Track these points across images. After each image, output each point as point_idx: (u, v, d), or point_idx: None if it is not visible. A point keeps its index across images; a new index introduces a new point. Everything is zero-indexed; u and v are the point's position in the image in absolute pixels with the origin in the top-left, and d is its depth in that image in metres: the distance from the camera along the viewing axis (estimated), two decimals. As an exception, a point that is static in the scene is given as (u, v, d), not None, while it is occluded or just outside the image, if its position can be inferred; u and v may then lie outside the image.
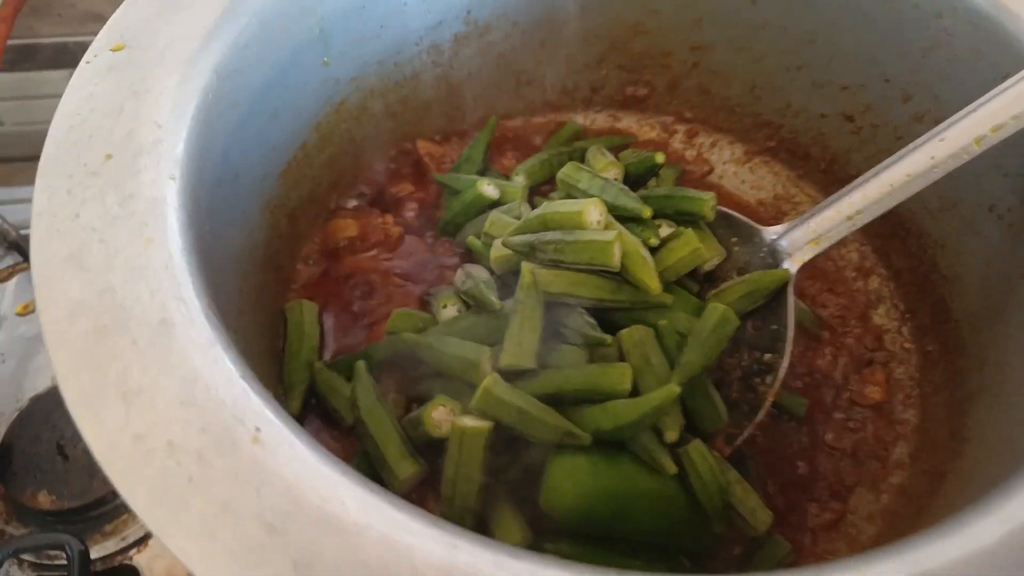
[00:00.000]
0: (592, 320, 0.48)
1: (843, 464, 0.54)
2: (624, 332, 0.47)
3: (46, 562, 0.54)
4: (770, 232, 0.51)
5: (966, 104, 0.51)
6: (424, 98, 0.64)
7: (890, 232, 0.60)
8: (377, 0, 0.56)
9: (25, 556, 0.54)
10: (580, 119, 0.71)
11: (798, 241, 0.50)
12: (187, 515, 0.28)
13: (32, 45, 0.96)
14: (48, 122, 0.40)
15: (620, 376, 0.45)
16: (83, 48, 0.43)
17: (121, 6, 0.45)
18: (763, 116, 0.66)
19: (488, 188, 0.57)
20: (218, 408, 0.31)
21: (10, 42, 0.64)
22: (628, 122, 0.71)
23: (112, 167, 0.38)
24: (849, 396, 0.57)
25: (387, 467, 0.45)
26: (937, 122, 0.54)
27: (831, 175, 0.64)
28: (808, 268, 0.63)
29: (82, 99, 0.40)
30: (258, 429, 0.31)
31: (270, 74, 0.49)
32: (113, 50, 0.42)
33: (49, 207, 0.36)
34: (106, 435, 0.30)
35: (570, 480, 0.43)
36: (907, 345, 0.58)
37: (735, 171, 0.69)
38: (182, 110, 0.41)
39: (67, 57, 0.97)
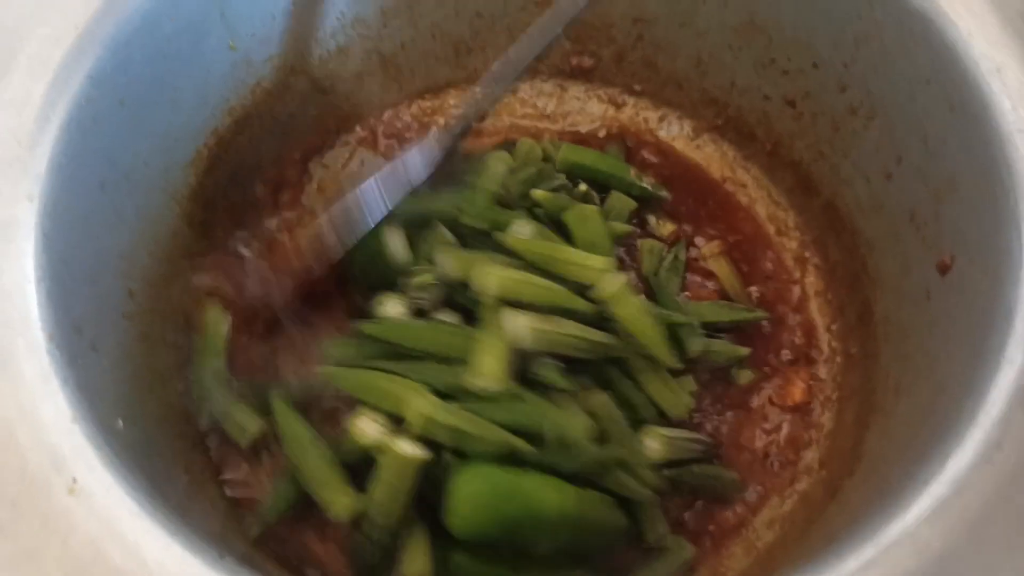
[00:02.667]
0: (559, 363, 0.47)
1: (754, 466, 0.54)
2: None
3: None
4: None
5: (896, 100, 0.49)
6: (355, 71, 0.62)
7: (828, 224, 0.58)
8: (287, -23, 0.53)
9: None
10: (527, 88, 0.68)
11: None
12: (-7, 564, 0.30)
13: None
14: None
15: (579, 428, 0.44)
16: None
17: (-5, 3, 0.44)
18: (710, 93, 0.63)
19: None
20: (39, 453, 0.32)
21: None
22: (575, 91, 0.68)
23: (-35, 189, 0.38)
24: (770, 395, 0.56)
25: (325, 503, 0.45)
26: (870, 117, 0.52)
27: (776, 158, 0.61)
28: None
29: (-56, 112, 0.40)
30: (75, 480, 0.31)
31: (163, 66, 0.48)
32: (-19, 55, 0.42)
33: None
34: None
35: (471, 507, 0.42)
36: (834, 344, 0.57)
37: (683, 148, 0.66)
38: (49, 121, 0.41)
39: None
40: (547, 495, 0.43)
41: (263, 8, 0.53)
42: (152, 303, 0.49)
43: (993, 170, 0.40)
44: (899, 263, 0.50)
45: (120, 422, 0.37)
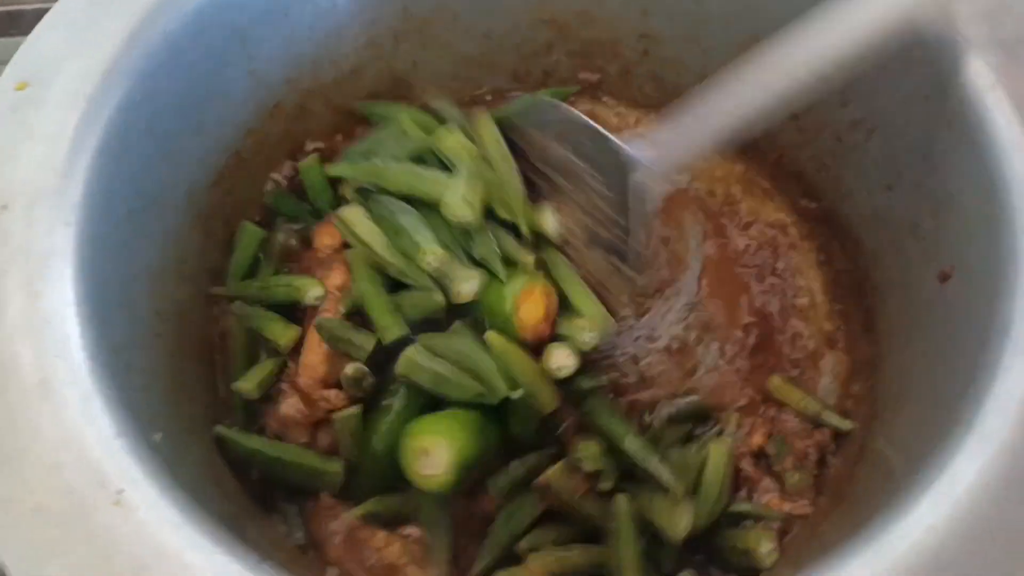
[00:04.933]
0: None
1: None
2: None
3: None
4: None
5: (896, 115, 0.50)
6: (368, 90, 0.64)
7: (832, 234, 0.60)
8: (303, 3, 0.55)
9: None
10: (534, 102, 0.70)
11: None
12: (43, 579, 0.31)
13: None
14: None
15: None
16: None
17: (28, 38, 0.45)
18: (714, 106, 0.64)
19: None
20: (85, 469, 0.34)
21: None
22: (582, 106, 0.70)
23: (6, 219, 0.40)
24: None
25: None
26: (871, 131, 0.53)
27: (780, 168, 0.63)
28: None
29: (-17, 144, 0.42)
30: (120, 491, 0.33)
31: (187, 94, 0.50)
32: (17, 88, 0.44)
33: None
34: (-23, 498, 0.33)
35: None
36: (839, 352, 0.58)
37: (689, 159, 0.67)
38: (83, 151, 0.42)
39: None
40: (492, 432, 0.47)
41: (281, 33, 0.55)
42: (178, 321, 0.51)
43: (990, 185, 0.42)
44: (901, 273, 0.51)
45: (158, 436, 0.39)
